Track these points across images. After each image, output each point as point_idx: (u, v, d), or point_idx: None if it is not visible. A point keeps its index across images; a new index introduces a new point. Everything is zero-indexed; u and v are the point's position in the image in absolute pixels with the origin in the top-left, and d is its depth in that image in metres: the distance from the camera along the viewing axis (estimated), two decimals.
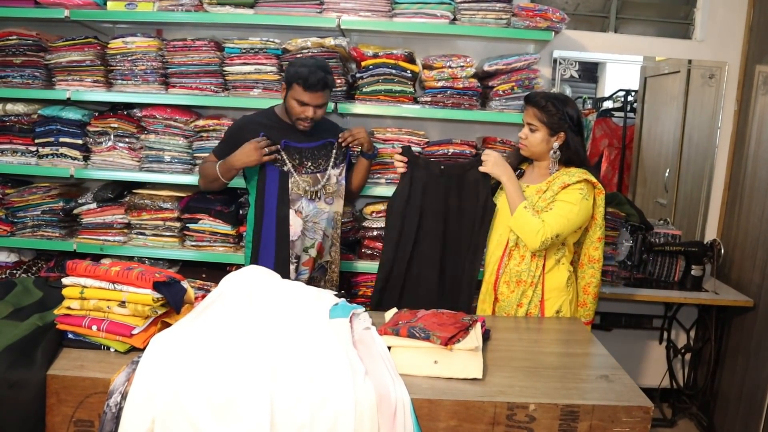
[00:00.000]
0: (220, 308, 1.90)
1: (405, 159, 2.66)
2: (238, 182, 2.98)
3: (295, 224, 2.71)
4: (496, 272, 2.55)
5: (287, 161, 2.67)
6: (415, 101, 3.19)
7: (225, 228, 3.27)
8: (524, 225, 2.40)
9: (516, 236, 2.48)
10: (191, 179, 3.25)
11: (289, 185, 2.68)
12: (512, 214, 2.45)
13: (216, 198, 3.32)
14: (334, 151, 2.77)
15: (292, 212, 2.69)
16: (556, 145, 2.46)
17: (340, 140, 2.76)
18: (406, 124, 3.46)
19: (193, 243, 3.33)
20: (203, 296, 2.03)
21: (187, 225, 3.32)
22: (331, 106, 3.12)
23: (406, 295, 2.66)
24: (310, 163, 2.72)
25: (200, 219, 3.29)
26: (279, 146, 2.65)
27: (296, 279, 2.73)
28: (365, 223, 3.32)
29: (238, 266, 2.93)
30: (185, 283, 2.00)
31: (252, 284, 2.00)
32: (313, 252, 2.76)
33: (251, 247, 2.74)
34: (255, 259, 2.72)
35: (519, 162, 2.65)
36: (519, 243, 2.49)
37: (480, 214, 2.59)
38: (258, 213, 2.71)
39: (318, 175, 2.73)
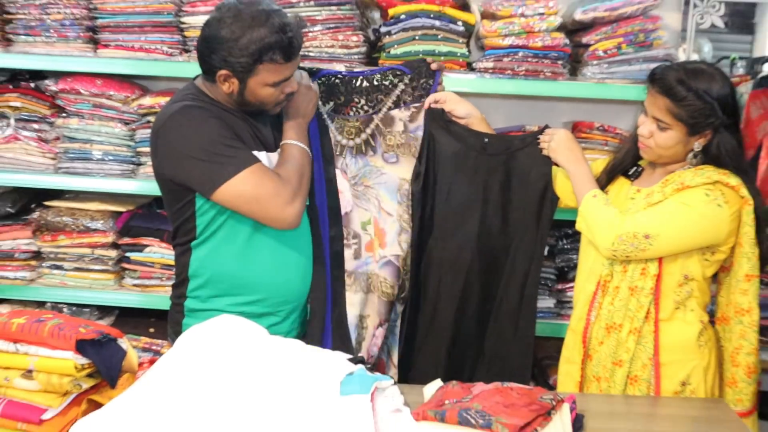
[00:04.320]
0: (177, 381, 1.91)
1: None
2: None
3: (344, 190, 2.82)
4: (587, 316, 2.61)
5: (327, 99, 2.81)
6: (470, 68, 3.22)
7: None
8: (594, 218, 2.49)
9: (610, 264, 2.54)
10: (133, 186, 3.32)
11: (331, 134, 2.81)
12: (578, 206, 2.56)
13: None
14: (401, 85, 2.82)
15: (337, 173, 2.81)
16: (697, 146, 2.48)
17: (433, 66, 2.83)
18: None
19: (136, 281, 3.38)
20: (151, 361, 2.05)
21: (127, 254, 3.37)
22: None
23: (421, 325, 2.80)
24: (363, 101, 2.83)
25: (147, 245, 3.35)
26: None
27: (358, 270, 2.84)
28: None
29: None
30: (124, 342, 2.03)
31: (225, 344, 2.01)
32: (371, 230, 2.84)
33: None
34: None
35: (636, 159, 2.69)
36: (614, 271, 2.54)
37: (535, 207, 2.72)
38: None
39: (376, 118, 2.83)
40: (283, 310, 2.61)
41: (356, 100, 2.81)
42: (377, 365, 2.84)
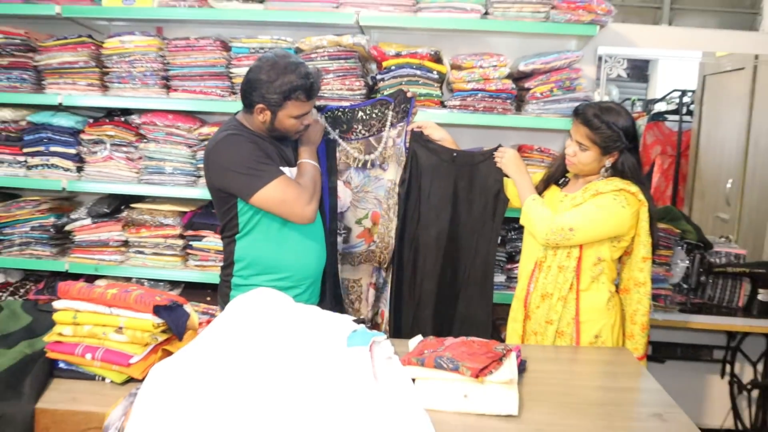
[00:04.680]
0: (227, 335, 1.91)
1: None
2: None
3: (343, 196, 2.83)
4: (527, 287, 2.63)
5: (332, 128, 2.80)
6: (443, 105, 3.22)
7: None
8: (533, 215, 2.53)
9: (545, 249, 2.57)
10: (195, 192, 3.31)
11: (337, 154, 2.80)
12: (522, 206, 2.59)
13: None
14: (390, 112, 2.80)
15: (340, 183, 2.81)
16: (608, 163, 2.51)
17: (408, 94, 2.79)
18: None
19: (197, 263, 3.38)
20: (208, 322, 2.05)
21: (191, 243, 3.37)
22: None
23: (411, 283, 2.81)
24: (361, 127, 2.81)
25: (204, 236, 3.34)
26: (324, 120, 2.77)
27: (346, 251, 2.87)
28: None
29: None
30: (188, 307, 2.03)
31: (262, 309, 2.02)
32: (368, 223, 2.86)
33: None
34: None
35: (564, 172, 2.71)
36: (548, 255, 2.57)
37: (491, 205, 2.74)
38: None
39: (372, 139, 2.81)
40: (303, 284, 2.60)
41: (355, 126, 2.80)
42: (379, 314, 2.88)
